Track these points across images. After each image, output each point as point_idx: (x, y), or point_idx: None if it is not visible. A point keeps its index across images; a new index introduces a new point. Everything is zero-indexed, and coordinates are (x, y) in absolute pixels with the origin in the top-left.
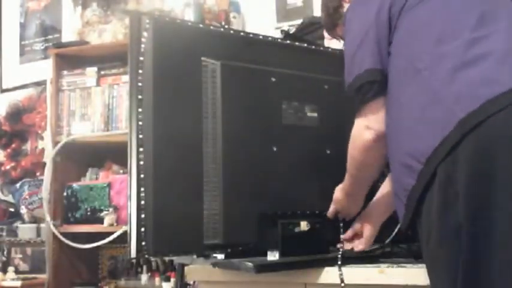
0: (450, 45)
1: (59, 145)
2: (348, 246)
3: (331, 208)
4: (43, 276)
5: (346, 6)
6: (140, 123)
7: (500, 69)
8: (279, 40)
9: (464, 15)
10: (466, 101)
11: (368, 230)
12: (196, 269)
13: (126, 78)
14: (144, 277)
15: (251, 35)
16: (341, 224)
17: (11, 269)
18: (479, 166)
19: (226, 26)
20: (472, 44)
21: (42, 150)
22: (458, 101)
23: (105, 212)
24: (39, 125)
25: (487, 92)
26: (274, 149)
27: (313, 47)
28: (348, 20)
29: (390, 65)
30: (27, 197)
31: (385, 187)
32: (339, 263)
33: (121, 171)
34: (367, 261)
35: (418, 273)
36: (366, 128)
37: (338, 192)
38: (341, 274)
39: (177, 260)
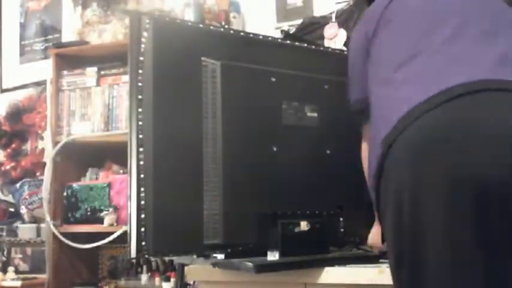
0: (386, 70)
1: (59, 145)
2: None
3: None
4: (43, 276)
5: None
6: (140, 123)
7: (416, 89)
8: (279, 40)
9: (405, 38)
10: (387, 123)
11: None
12: (196, 269)
13: (126, 78)
14: (144, 277)
15: (251, 35)
16: (341, 224)
17: (11, 269)
18: (390, 182)
19: (226, 26)
20: (401, 68)
21: (42, 150)
22: (384, 123)
23: (105, 212)
24: (39, 125)
25: (399, 113)
26: (274, 149)
27: (313, 47)
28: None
29: None
30: (27, 197)
31: None
32: None
33: (121, 171)
34: (367, 261)
35: None
36: (366, 147)
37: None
38: None
39: (177, 260)
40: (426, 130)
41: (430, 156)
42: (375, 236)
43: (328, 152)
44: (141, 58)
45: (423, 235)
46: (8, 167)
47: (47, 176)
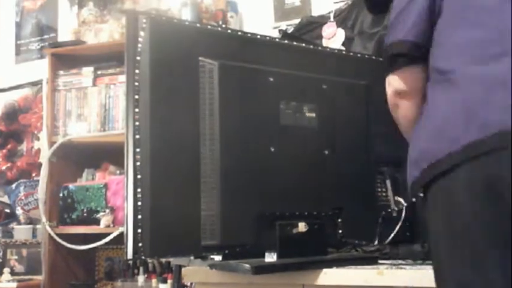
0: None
1: (55, 145)
2: None
3: None
4: (39, 278)
5: None
6: (137, 123)
7: None
8: (277, 40)
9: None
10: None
11: None
12: (194, 271)
13: (122, 78)
14: (140, 278)
15: (249, 35)
16: (340, 225)
17: (6, 270)
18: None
19: (223, 26)
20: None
21: (38, 150)
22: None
23: (101, 213)
24: (35, 125)
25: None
26: (272, 149)
27: (311, 46)
28: None
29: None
30: (23, 197)
31: None
32: None
33: (117, 171)
34: (366, 263)
35: (416, 275)
36: (393, 92)
37: None
38: None
39: (174, 261)
40: None
41: None
42: None
43: (326, 152)
44: (138, 58)
45: None
46: (3, 168)
47: (42, 176)
